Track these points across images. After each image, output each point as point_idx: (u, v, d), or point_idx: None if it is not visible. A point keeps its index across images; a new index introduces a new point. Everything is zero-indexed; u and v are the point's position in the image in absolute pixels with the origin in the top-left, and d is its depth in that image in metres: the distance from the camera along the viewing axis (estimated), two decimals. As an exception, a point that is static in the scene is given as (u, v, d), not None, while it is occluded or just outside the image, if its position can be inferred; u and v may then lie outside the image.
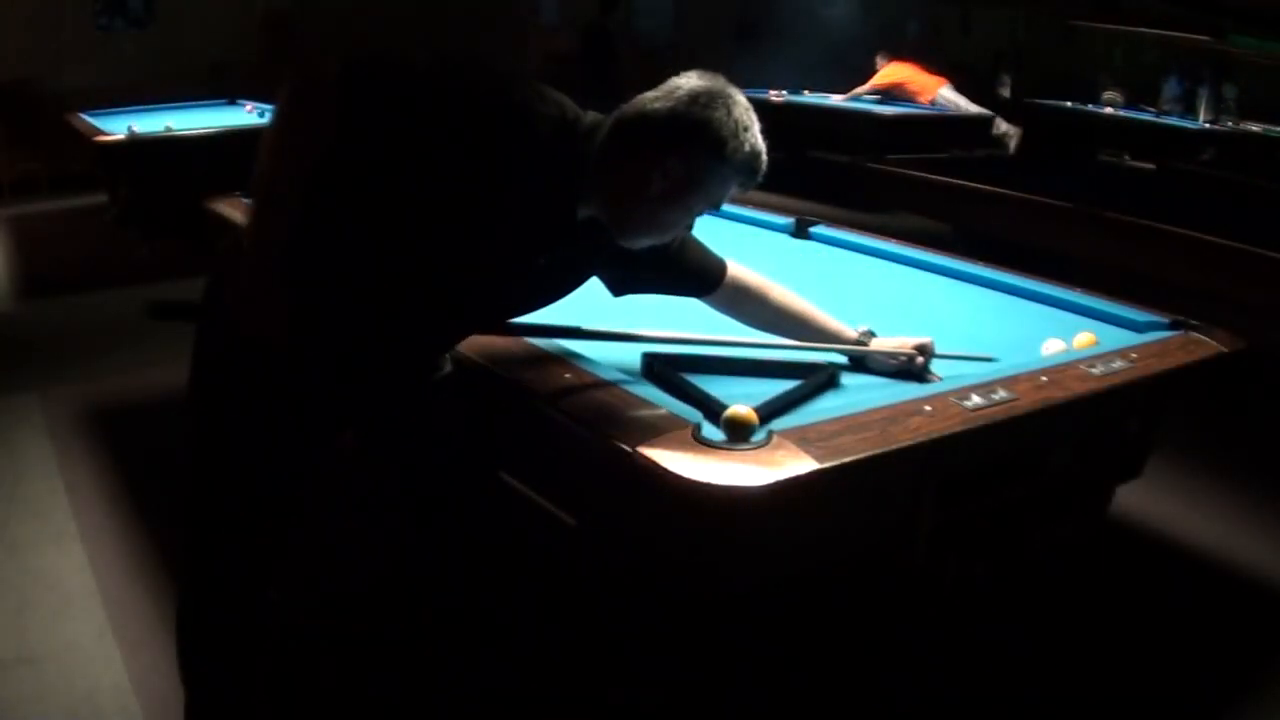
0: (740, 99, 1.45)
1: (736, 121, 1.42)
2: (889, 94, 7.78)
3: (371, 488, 2.05)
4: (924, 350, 1.75)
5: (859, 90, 7.93)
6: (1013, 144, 7.50)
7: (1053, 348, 1.86)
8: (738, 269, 1.76)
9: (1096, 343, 1.89)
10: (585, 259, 1.59)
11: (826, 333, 1.78)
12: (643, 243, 1.53)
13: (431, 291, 1.47)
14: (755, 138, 1.44)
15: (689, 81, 1.44)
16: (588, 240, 1.53)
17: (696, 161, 1.42)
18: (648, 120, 1.43)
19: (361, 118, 1.35)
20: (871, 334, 1.79)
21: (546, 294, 1.62)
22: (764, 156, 1.46)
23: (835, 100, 7.97)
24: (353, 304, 1.45)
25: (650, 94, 1.46)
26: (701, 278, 1.73)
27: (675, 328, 1.78)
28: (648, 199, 1.44)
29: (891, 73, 7.83)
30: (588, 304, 1.72)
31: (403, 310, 1.47)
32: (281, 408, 1.51)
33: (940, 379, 1.72)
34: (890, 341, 1.77)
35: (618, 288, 1.73)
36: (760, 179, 1.48)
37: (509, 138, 1.38)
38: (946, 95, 7.59)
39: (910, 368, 1.74)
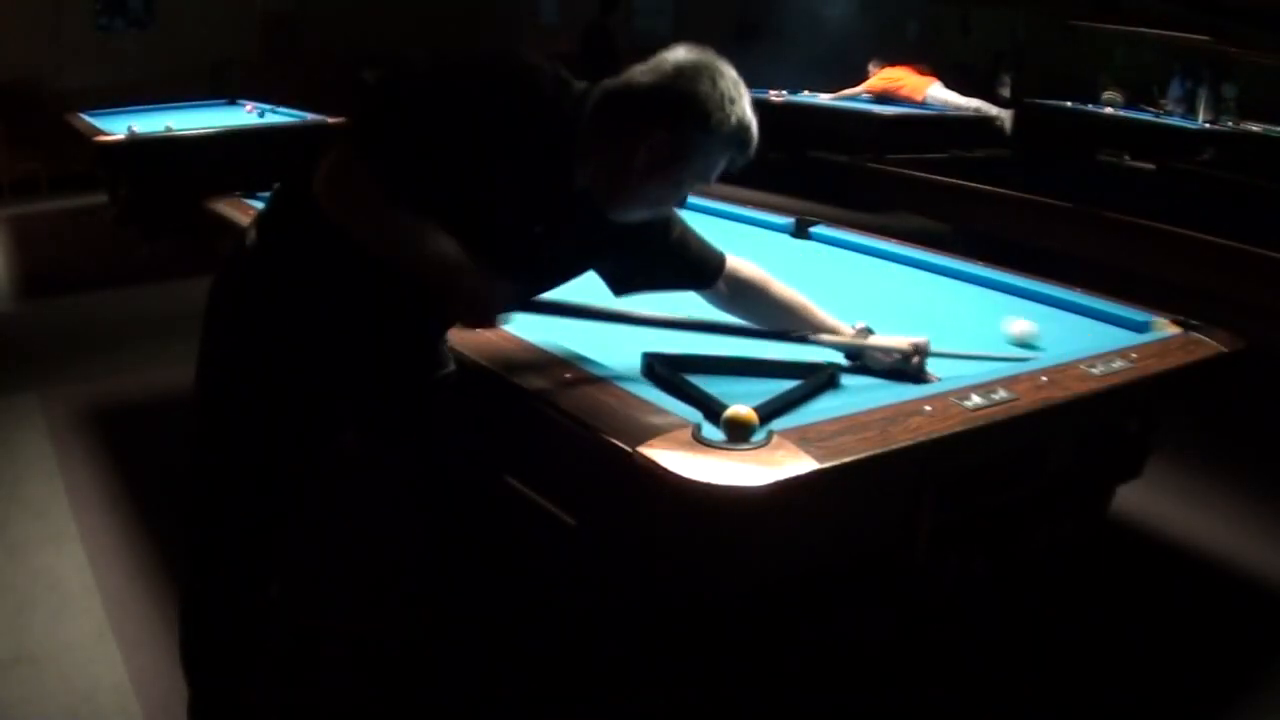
0: (728, 71, 1.44)
1: (722, 94, 1.41)
2: (882, 97, 7.79)
3: (373, 488, 2.05)
4: (919, 350, 1.74)
5: (848, 91, 7.93)
6: (1007, 125, 7.51)
7: (1019, 327, 1.89)
8: (736, 262, 1.76)
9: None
10: (585, 237, 1.58)
11: (824, 329, 1.77)
12: (633, 217, 1.53)
13: None
14: (743, 110, 1.43)
15: (676, 55, 1.44)
16: (587, 217, 1.52)
17: (681, 135, 1.42)
18: (633, 93, 1.43)
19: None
20: (869, 331, 1.78)
21: (547, 273, 1.61)
22: (753, 129, 1.45)
23: (824, 99, 7.98)
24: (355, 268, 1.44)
25: (639, 67, 1.46)
26: (701, 269, 1.73)
27: (673, 336, 1.78)
28: (634, 172, 1.44)
29: (883, 76, 7.84)
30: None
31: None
32: (285, 405, 1.51)
33: (938, 379, 1.72)
34: (887, 340, 1.77)
35: (619, 284, 1.72)
36: (751, 152, 1.47)
37: (514, 89, 1.39)
38: (935, 94, 7.60)
39: (906, 367, 1.74)
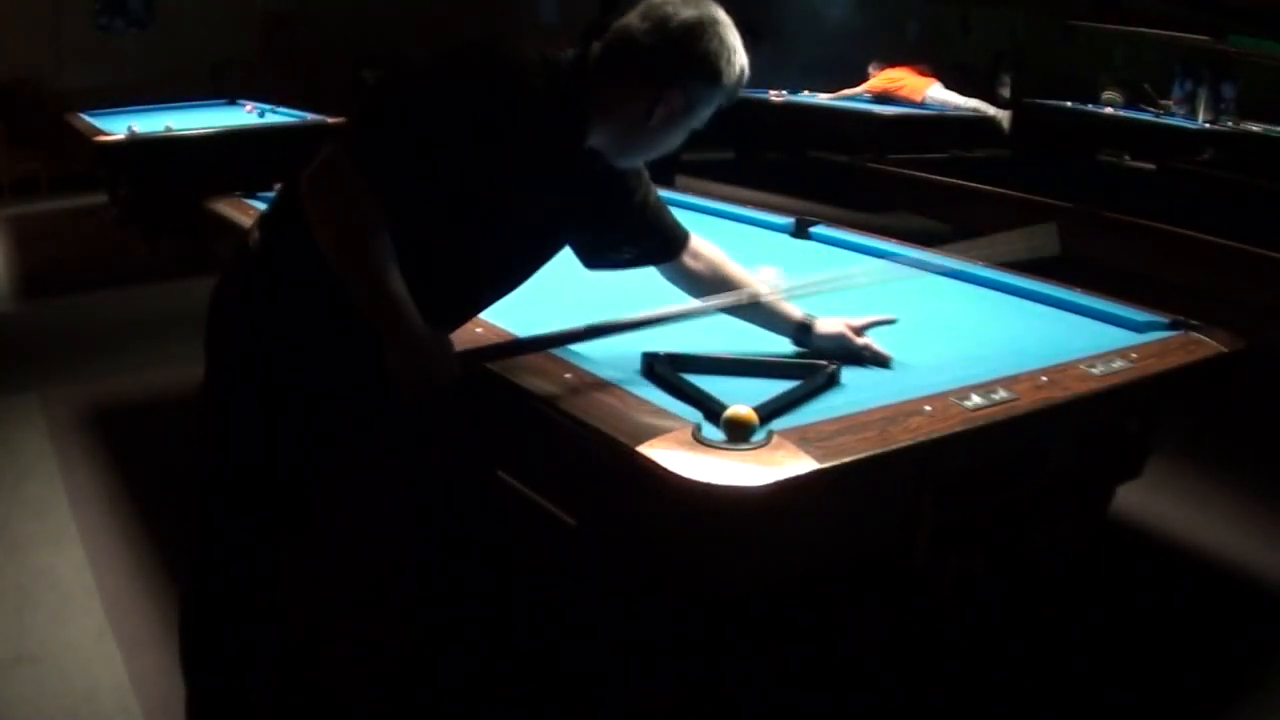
0: (724, 18, 1.48)
1: (729, 48, 1.47)
2: (882, 97, 7.80)
3: (373, 488, 2.05)
4: (857, 331, 1.76)
5: (848, 91, 7.94)
6: (1005, 125, 7.54)
7: (766, 273, 2.05)
8: (697, 239, 1.79)
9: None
10: (582, 197, 1.60)
11: (775, 311, 1.79)
12: (638, 162, 1.60)
13: (452, 248, 1.49)
14: (741, 56, 1.49)
15: (676, 11, 1.45)
16: (587, 175, 1.56)
17: (694, 92, 1.48)
18: (641, 54, 1.45)
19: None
20: (813, 317, 1.80)
21: (549, 243, 1.64)
22: (747, 70, 1.51)
23: (824, 99, 7.99)
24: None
25: (636, 22, 1.47)
26: (670, 241, 1.75)
27: (672, 334, 1.79)
28: (650, 128, 1.49)
29: (883, 77, 7.85)
30: (583, 305, 1.72)
31: (428, 273, 1.46)
32: (286, 405, 1.51)
33: (890, 357, 1.73)
34: (832, 323, 1.79)
35: (594, 255, 1.74)
36: (742, 91, 1.54)
37: (507, 83, 1.40)
38: (935, 95, 7.61)
39: (851, 347, 1.75)
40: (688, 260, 1.76)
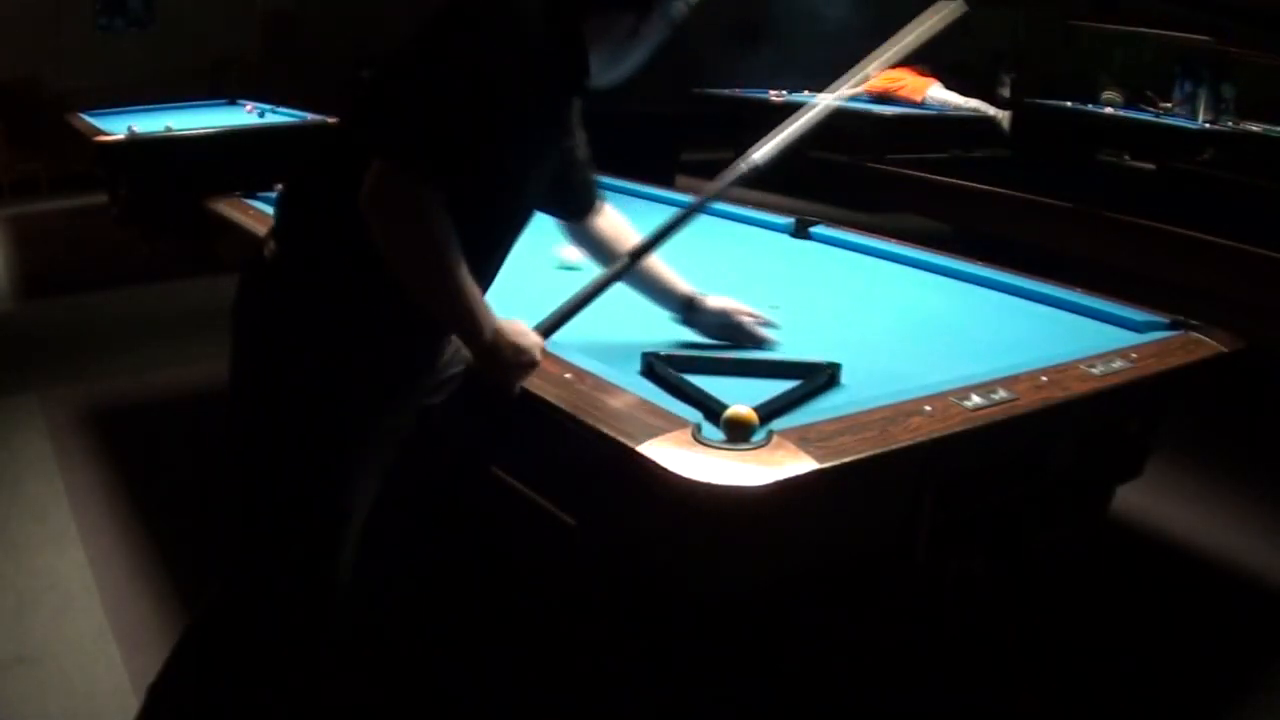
0: None
1: None
2: (882, 97, 7.80)
3: (380, 491, 2.05)
4: (740, 310, 1.81)
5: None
6: (1005, 125, 7.55)
7: (567, 253, 2.12)
8: (609, 206, 1.84)
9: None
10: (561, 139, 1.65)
11: (664, 284, 1.84)
12: (617, 81, 1.63)
13: (486, 220, 1.50)
14: None
15: None
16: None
17: (666, 7, 1.55)
18: None
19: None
20: (702, 294, 1.85)
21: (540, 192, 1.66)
22: None
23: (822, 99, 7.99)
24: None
25: None
26: (589, 195, 1.80)
27: (672, 334, 1.79)
28: (631, 48, 1.56)
29: (883, 77, 7.84)
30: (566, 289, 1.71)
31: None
32: (308, 415, 1.50)
33: (775, 341, 1.79)
34: (718, 300, 1.83)
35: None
36: None
37: (528, 55, 1.41)
38: (935, 95, 7.61)
39: (734, 322, 1.81)
40: (599, 221, 1.81)
